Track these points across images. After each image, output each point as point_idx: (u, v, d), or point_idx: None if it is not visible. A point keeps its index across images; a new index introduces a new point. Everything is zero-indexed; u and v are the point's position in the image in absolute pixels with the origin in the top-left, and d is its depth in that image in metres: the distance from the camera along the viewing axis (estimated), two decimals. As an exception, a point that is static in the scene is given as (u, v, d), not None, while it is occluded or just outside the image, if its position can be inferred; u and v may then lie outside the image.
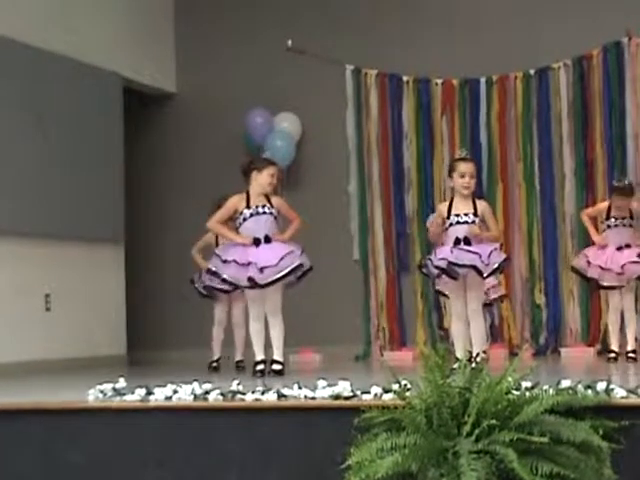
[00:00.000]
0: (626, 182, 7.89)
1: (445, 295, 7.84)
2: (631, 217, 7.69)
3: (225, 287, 7.31)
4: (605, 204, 7.90)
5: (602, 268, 7.57)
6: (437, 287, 8.08)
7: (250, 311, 7.16)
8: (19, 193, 8.99)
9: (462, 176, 6.83)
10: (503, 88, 10.13)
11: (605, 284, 7.63)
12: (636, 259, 7.52)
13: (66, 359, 9.30)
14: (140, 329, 10.70)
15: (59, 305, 9.50)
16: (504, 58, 9.95)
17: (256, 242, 6.96)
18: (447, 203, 7.01)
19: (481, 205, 6.94)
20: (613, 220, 7.68)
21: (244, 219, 7.06)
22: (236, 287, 7.14)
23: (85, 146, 9.78)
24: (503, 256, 6.92)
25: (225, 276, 6.99)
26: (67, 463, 4.82)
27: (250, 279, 6.85)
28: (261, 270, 6.82)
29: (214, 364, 8.42)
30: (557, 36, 9.80)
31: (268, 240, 6.97)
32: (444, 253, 6.78)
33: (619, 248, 7.60)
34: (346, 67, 10.51)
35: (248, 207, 7.05)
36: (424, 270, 7.12)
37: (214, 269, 7.05)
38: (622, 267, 7.50)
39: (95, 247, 10.00)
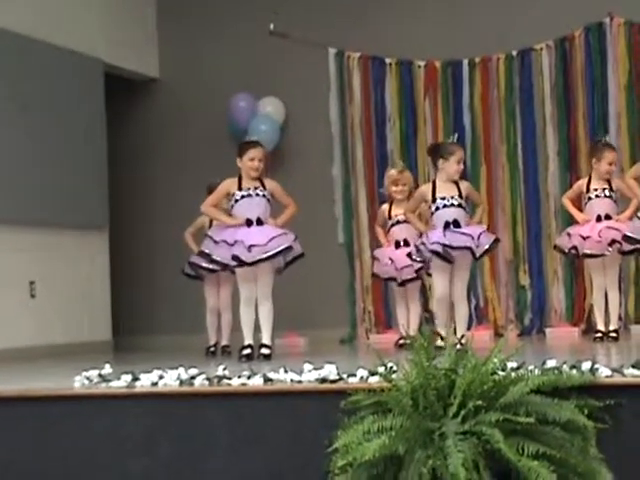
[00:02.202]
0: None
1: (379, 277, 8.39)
2: (611, 188, 7.70)
3: (213, 267, 7.37)
4: (583, 180, 7.93)
5: (583, 237, 7.59)
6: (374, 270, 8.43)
7: (241, 294, 7.15)
8: (1, 180, 8.95)
9: (458, 162, 6.94)
10: (486, 70, 10.12)
11: (586, 252, 7.63)
12: (612, 225, 7.52)
13: (51, 346, 9.28)
14: (125, 315, 10.69)
15: (44, 292, 9.48)
16: (486, 39, 9.94)
17: (248, 223, 6.98)
18: (430, 186, 7.04)
19: (464, 186, 7.05)
20: (593, 191, 7.69)
21: (236, 200, 7.08)
22: (225, 267, 7.15)
23: (68, 132, 9.74)
24: (492, 237, 7.04)
25: (214, 257, 7.00)
26: (54, 450, 4.82)
27: (235, 257, 6.86)
28: (249, 249, 6.83)
29: (211, 349, 8.46)
30: (539, 17, 9.78)
31: (260, 222, 6.99)
32: (437, 237, 6.81)
33: (599, 219, 7.62)
34: (329, 50, 10.49)
35: (240, 189, 7.07)
36: (415, 257, 7.15)
37: (207, 251, 7.06)
38: (599, 234, 7.51)
39: (79, 233, 9.97)
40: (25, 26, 9.30)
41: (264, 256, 6.84)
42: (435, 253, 6.83)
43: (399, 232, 8.07)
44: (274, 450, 4.50)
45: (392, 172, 8.32)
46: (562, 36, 9.84)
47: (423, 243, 6.90)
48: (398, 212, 8.06)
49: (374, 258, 8.50)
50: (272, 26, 10.44)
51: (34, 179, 9.27)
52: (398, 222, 8.07)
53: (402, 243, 8.01)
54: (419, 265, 7.63)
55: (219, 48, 10.84)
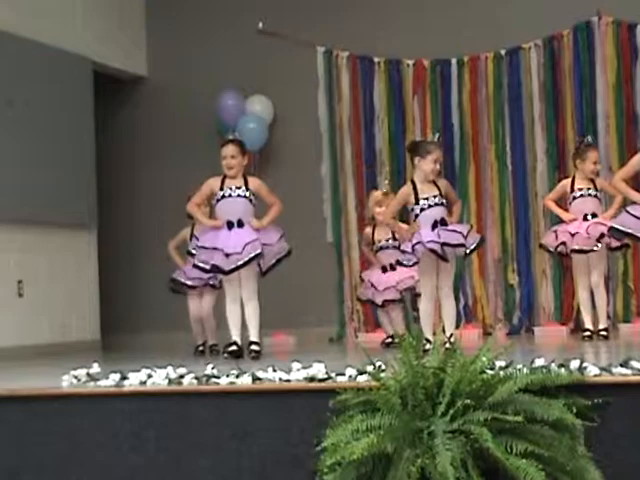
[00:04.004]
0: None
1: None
2: (595, 188, 7.73)
3: (194, 283, 7.86)
4: (567, 180, 7.95)
5: (571, 234, 7.61)
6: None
7: (226, 293, 7.17)
8: (-11, 179, 8.94)
9: (435, 162, 6.87)
10: (474, 69, 10.13)
11: (575, 247, 7.65)
12: (600, 220, 7.55)
13: (39, 345, 9.26)
14: (114, 314, 10.67)
15: (32, 291, 9.45)
16: (475, 38, 9.94)
17: (229, 225, 6.98)
18: (410, 187, 6.96)
19: (442, 184, 6.98)
20: (578, 191, 7.73)
21: (217, 200, 7.11)
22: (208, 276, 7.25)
23: (56, 131, 9.71)
24: (478, 236, 7.03)
25: (196, 261, 7.07)
26: (42, 450, 4.80)
27: (215, 267, 6.93)
28: (227, 256, 6.87)
29: (200, 348, 8.47)
30: (527, 16, 9.80)
31: (241, 224, 6.99)
32: (431, 236, 6.77)
33: (585, 218, 7.65)
34: (317, 49, 10.49)
35: (222, 189, 7.06)
36: (407, 262, 7.04)
37: (201, 264, 7.08)
38: (587, 230, 7.54)
39: (68, 232, 9.95)
40: (13, 25, 9.27)
41: (239, 264, 6.88)
42: (433, 252, 6.79)
43: (385, 257, 8.07)
44: (262, 449, 4.49)
45: (377, 194, 8.33)
46: (550, 35, 9.86)
47: (419, 242, 6.84)
48: (381, 237, 8.07)
49: (362, 280, 8.52)
50: (260, 24, 10.44)
51: (22, 178, 9.25)
52: (382, 248, 8.08)
53: (389, 268, 8.02)
54: (404, 285, 7.68)
55: (207, 46, 10.83)
